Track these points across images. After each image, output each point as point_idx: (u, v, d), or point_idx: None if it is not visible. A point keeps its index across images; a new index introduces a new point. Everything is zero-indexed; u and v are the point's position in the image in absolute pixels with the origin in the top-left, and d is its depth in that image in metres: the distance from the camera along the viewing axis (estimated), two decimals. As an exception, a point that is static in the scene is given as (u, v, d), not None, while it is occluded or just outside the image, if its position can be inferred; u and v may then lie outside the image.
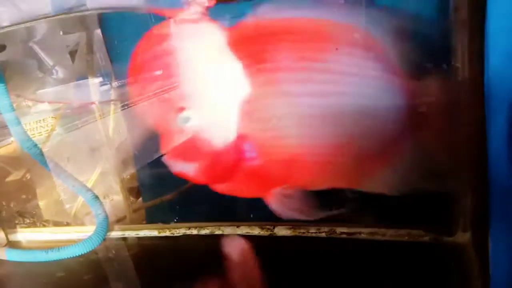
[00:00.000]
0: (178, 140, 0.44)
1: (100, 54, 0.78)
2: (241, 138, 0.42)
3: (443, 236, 0.49)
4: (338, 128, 0.40)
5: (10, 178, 0.84)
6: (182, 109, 0.41)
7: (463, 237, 0.48)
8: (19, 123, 0.59)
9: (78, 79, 0.82)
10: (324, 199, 0.49)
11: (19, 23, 0.49)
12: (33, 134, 0.72)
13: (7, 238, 0.69)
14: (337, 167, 0.42)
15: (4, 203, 0.74)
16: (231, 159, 0.42)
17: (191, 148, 0.44)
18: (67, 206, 0.80)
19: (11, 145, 0.86)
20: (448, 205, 0.49)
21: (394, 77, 0.39)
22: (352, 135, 0.40)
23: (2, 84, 0.58)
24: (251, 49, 0.40)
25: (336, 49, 0.38)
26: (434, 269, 0.45)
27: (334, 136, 0.40)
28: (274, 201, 0.44)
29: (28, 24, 0.48)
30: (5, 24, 0.50)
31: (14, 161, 0.86)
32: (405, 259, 0.49)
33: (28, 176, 0.85)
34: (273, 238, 0.57)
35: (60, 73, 0.86)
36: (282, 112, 0.40)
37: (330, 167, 0.42)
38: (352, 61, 0.38)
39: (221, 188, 0.47)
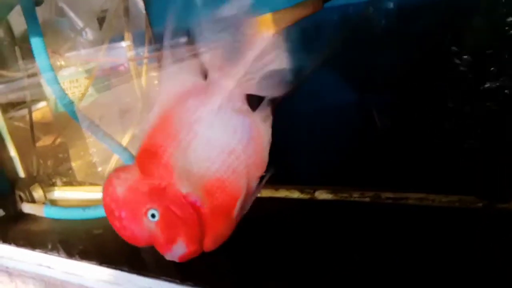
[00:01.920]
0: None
1: (135, 16, 0.76)
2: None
3: (497, 202, 0.46)
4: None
5: (39, 144, 0.85)
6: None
7: (519, 203, 0.45)
8: (57, 81, 0.58)
9: (111, 42, 0.81)
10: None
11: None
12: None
13: (45, 196, 0.69)
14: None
15: (41, 161, 0.75)
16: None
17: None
18: (99, 169, 0.80)
19: (38, 112, 0.86)
20: (502, 170, 0.46)
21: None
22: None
23: (42, 44, 0.57)
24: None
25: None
26: (486, 237, 0.43)
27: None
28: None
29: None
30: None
31: (44, 126, 0.86)
32: (456, 226, 0.46)
33: (57, 141, 0.85)
34: (313, 202, 0.56)
35: (89, 34, 0.85)
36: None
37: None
38: None
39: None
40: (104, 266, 0.52)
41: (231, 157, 0.41)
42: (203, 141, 0.41)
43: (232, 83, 0.41)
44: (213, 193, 0.41)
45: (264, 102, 0.43)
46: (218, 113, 0.41)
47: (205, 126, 0.41)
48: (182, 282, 0.45)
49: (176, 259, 0.41)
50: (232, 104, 0.42)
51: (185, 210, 0.40)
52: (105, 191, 0.41)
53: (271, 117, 0.43)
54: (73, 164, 0.78)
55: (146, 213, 0.39)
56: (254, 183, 0.43)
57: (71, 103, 0.59)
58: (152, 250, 0.52)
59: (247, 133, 0.42)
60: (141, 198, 0.40)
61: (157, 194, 0.40)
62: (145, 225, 0.40)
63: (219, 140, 0.41)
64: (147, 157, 0.42)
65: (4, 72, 0.74)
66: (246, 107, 0.43)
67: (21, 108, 0.86)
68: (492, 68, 0.47)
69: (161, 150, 0.41)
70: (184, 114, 0.42)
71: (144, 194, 0.40)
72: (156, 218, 0.39)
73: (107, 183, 0.41)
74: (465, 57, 0.49)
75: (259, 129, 0.42)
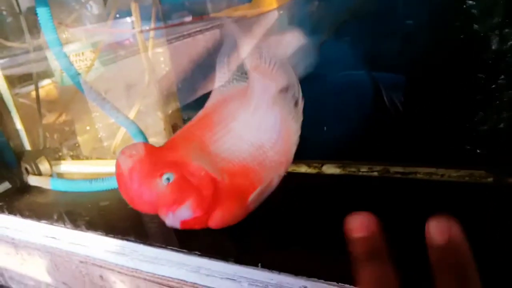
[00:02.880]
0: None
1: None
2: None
3: (508, 177, 0.46)
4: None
5: (44, 121, 0.84)
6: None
7: (530, 179, 0.45)
8: (63, 52, 0.58)
9: (116, 17, 0.80)
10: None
11: None
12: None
13: (51, 169, 0.69)
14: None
15: (47, 135, 0.74)
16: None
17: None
18: (105, 143, 0.80)
19: (43, 89, 0.85)
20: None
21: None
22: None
23: (49, 15, 0.56)
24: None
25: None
26: (496, 212, 0.43)
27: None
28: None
29: None
30: None
31: (48, 104, 0.86)
32: (465, 201, 0.46)
33: (63, 116, 0.85)
34: (320, 176, 0.55)
35: (94, 8, 0.84)
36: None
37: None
38: None
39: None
40: (110, 237, 0.52)
41: (258, 151, 0.44)
42: (235, 135, 0.44)
43: (266, 80, 0.44)
44: (234, 176, 0.42)
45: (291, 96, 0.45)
46: (253, 113, 0.45)
47: (240, 124, 0.45)
48: (189, 252, 0.45)
49: (177, 223, 0.41)
50: (266, 103, 0.45)
51: (201, 180, 0.40)
52: (126, 148, 0.41)
53: (301, 118, 0.46)
54: (79, 139, 0.78)
55: (161, 175, 0.39)
56: (276, 178, 0.45)
57: (77, 74, 0.59)
58: (159, 221, 0.52)
59: (277, 133, 0.45)
60: (160, 162, 0.40)
61: (177, 164, 0.41)
62: (156, 186, 0.39)
63: (250, 136, 0.45)
64: (180, 139, 0.44)
65: (10, 43, 0.73)
66: (280, 102, 0.45)
67: (25, 86, 0.85)
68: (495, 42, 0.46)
69: (194, 137, 0.44)
70: (225, 113, 0.46)
71: (164, 160, 0.41)
72: (170, 181, 0.39)
73: (132, 145, 0.41)
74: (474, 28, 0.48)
75: (289, 130, 0.45)
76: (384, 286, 0.26)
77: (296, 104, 0.45)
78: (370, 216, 0.28)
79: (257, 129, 0.45)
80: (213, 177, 0.41)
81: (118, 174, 0.40)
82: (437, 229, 0.25)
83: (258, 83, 0.45)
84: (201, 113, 0.48)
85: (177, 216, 0.40)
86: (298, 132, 0.46)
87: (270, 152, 0.45)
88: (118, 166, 0.40)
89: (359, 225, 0.28)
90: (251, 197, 0.42)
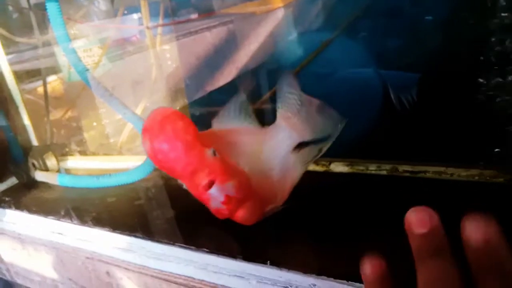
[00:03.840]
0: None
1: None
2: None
3: (519, 177, 0.45)
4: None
5: (51, 117, 0.85)
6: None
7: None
8: (72, 47, 0.58)
9: (124, 14, 0.80)
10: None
11: None
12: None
13: (58, 165, 0.69)
14: None
15: (55, 130, 0.74)
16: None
17: None
18: (111, 140, 0.80)
19: (49, 85, 0.85)
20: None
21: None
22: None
23: (60, 16, 0.56)
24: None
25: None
26: (507, 213, 0.42)
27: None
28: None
29: None
30: None
31: (54, 100, 0.86)
32: (475, 201, 0.45)
33: (69, 112, 0.85)
34: (328, 174, 0.55)
35: (102, 5, 0.84)
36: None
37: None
38: None
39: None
40: (117, 233, 0.52)
41: (264, 175, 0.46)
42: (251, 159, 0.46)
43: (292, 131, 0.48)
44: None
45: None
46: (273, 149, 0.48)
47: (258, 151, 0.47)
48: (196, 249, 0.45)
49: (221, 196, 0.40)
50: (285, 147, 0.48)
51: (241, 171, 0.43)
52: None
53: (310, 164, 0.48)
54: (86, 135, 0.78)
55: (208, 147, 0.40)
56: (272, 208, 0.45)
57: (86, 70, 0.59)
58: (166, 218, 0.52)
59: (284, 170, 0.47)
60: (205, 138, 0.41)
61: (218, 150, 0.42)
62: (203, 152, 0.39)
63: (263, 163, 0.47)
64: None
65: (19, 39, 0.73)
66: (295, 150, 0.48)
67: (32, 81, 0.85)
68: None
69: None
70: (238, 140, 0.48)
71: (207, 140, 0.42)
72: (216, 155, 0.40)
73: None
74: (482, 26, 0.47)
75: (294, 171, 0.47)
76: (446, 285, 0.24)
77: (316, 155, 0.47)
78: (432, 210, 0.26)
79: (269, 159, 0.47)
80: (247, 174, 0.43)
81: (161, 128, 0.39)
82: (475, 228, 0.24)
83: (283, 131, 0.48)
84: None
85: (224, 189, 0.40)
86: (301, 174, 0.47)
87: (274, 179, 0.46)
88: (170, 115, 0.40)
89: (419, 219, 0.26)
90: (269, 207, 0.44)
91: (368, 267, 0.27)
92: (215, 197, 0.40)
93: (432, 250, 0.25)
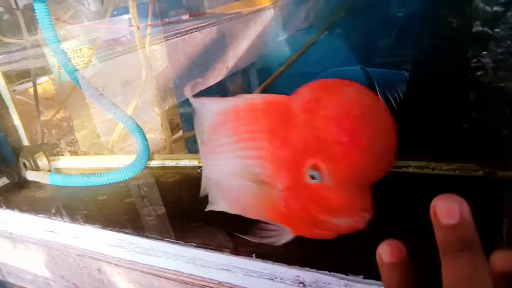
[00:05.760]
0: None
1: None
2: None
3: (498, 170, 0.47)
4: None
5: (41, 118, 0.85)
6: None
7: (519, 171, 0.45)
8: (61, 47, 0.58)
9: (113, 14, 0.80)
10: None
11: None
12: (70, 64, 0.72)
13: (49, 164, 0.70)
14: None
15: (46, 130, 0.75)
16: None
17: None
18: (103, 139, 0.81)
19: (40, 86, 0.86)
20: (503, 137, 0.46)
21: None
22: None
23: (48, 16, 0.57)
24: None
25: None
26: (486, 206, 0.43)
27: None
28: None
29: None
30: None
31: (45, 101, 0.86)
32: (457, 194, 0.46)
33: (61, 112, 0.85)
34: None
35: (92, 6, 0.84)
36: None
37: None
38: None
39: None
40: (107, 230, 0.53)
41: None
42: None
43: None
44: None
45: None
46: None
47: None
48: (184, 243, 0.46)
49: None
50: None
51: None
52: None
53: None
54: (77, 135, 0.79)
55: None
56: None
57: (75, 70, 0.59)
58: (154, 214, 0.53)
59: None
60: None
61: None
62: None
63: None
64: None
65: (8, 39, 0.73)
66: None
67: (22, 82, 0.86)
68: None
69: None
70: None
71: None
72: None
73: None
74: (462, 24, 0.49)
75: None
76: (475, 284, 0.23)
77: None
78: (462, 199, 0.24)
79: None
80: None
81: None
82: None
83: None
84: None
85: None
86: None
87: None
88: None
89: (448, 209, 0.24)
90: None
91: (387, 251, 0.26)
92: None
93: (461, 244, 0.23)
